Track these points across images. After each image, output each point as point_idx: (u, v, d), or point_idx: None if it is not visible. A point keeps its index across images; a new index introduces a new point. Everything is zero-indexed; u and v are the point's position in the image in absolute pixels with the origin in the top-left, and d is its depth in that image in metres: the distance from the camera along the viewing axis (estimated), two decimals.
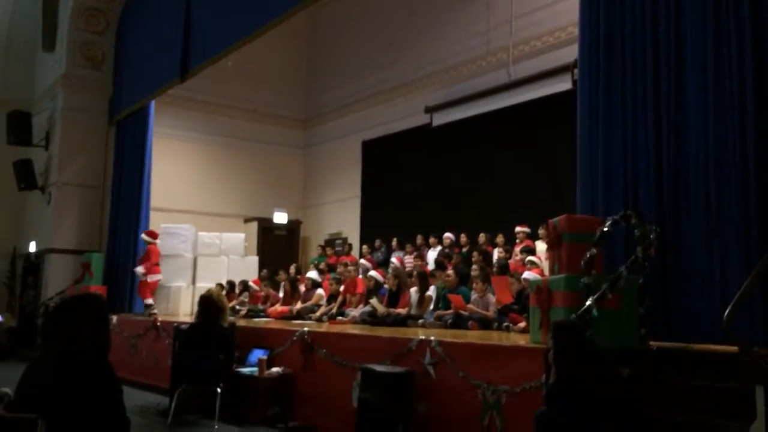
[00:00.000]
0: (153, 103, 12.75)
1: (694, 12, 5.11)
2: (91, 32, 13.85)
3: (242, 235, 13.92)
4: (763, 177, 4.57)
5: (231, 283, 12.06)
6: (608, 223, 4.75)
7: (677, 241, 5.03)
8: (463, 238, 10.86)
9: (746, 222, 4.62)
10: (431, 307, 8.27)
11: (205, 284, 11.50)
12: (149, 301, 11.14)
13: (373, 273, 9.46)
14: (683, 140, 5.11)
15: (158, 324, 9.23)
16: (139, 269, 11.32)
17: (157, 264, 11.48)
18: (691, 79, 5.10)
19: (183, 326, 7.59)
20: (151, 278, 11.31)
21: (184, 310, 12.10)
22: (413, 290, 8.70)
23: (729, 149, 4.78)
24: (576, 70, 6.89)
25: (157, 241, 11.70)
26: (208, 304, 7.04)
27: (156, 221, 12.77)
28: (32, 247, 14.30)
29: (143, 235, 11.68)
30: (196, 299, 8.78)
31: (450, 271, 8.51)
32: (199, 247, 12.96)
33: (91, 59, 13.85)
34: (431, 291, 8.50)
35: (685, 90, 5.14)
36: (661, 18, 5.34)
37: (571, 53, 8.75)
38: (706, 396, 3.96)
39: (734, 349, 3.71)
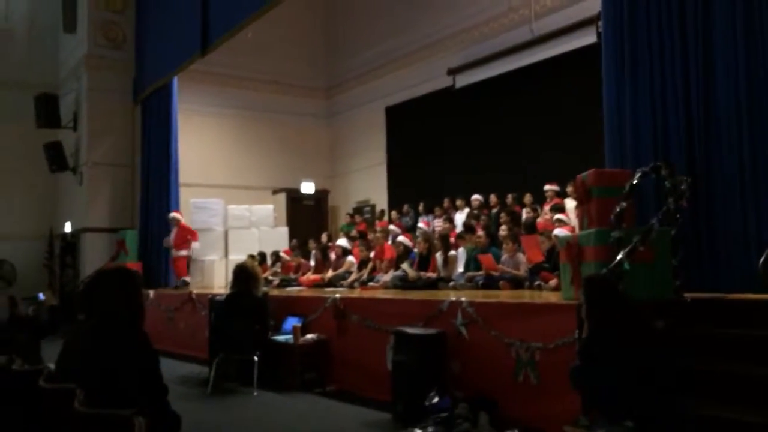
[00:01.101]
0: (176, 80, 12.79)
1: None
2: (110, 11, 13.91)
3: (271, 207, 14.04)
4: None
5: (262, 255, 12.20)
6: (638, 176, 4.69)
7: (709, 190, 4.95)
8: (493, 199, 10.80)
9: None
10: (460, 268, 8.29)
11: (237, 257, 11.67)
12: (186, 278, 11.47)
13: (401, 238, 9.48)
14: (713, 89, 4.99)
15: (193, 296, 9.41)
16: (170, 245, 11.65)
17: (187, 240, 11.73)
18: (720, 27, 4.95)
19: (218, 297, 7.73)
20: (176, 253, 11.61)
21: (218, 282, 12.32)
22: (438, 253, 8.72)
23: (760, 97, 4.66)
24: (600, 23, 6.72)
25: (180, 216, 11.94)
26: (242, 274, 7.16)
27: (185, 197, 12.94)
28: (68, 228, 14.62)
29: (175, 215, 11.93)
30: (230, 271, 8.97)
31: (480, 233, 8.49)
32: (229, 220, 13.12)
33: (112, 39, 13.93)
34: (459, 253, 8.50)
35: (712, 38, 5.01)
36: None
37: (594, 5, 8.49)
38: (743, 345, 3.94)
39: None
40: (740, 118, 4.81)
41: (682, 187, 4.48)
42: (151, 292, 10.81)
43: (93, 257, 13.01)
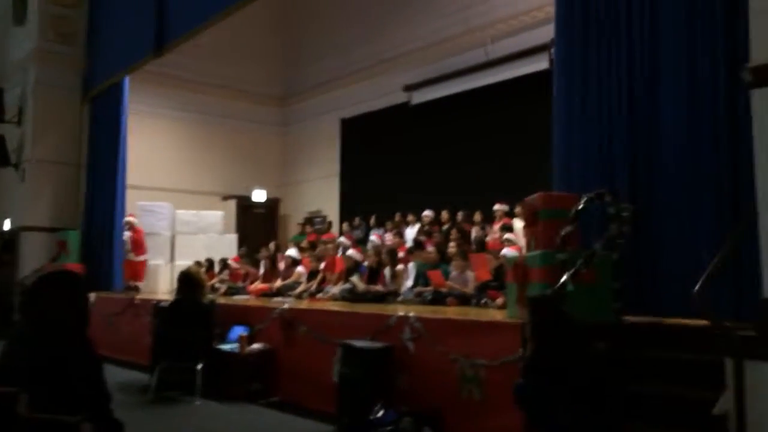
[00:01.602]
0: (128, 79, 12.54)
1: None
2: (62, 5, 13.55)
3: (220, 213, 13.89)
4: (735, 156, 4.67)
5: (210, 261, 12.04)
6: (583, 201, 4.85)
7: (650, 217, 5.14)
8: (444, 215, 10.94)
9: (718, 200, 4.75)
10: (409, 282, 8.37)
11: (183, 262, 11.49)
12: (140, 284, 11.40)
13: (351, 252, 9.52)
14: (657, 120, 5.21)
15: (137, 302, 9.21)
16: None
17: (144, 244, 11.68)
18: (666, 59, 5.18)
19: (162, 303, 7.60)
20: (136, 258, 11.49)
21: (162, 288, 12.09)
22: (387, 267, 8.80)
23: (702, 129, 4.88)
24: (553, 50, 6.93)
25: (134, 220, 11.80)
26: (188, 280, 7.08)
27: (132, 199, 12.66)
28: (7, 225, 14.10)
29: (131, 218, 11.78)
30: (175, 277, 8.82)
31: (431, 249, 8.60)
32: (177, 225, 12.92)
33: (63, 34, 13.55)
34: (409, 267, 8.59)
35: (659, 69, 5.23)
36: None
37: (548, 32, 8.75)
38: (677, 368, 4.10)
39: (705, 322, 3.83)
40: (682, 147, 5.03)
41: (625, 213, 4.66)
42: (93, 296, 10.52)
43: (32, 257, 12.55)
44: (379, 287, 8.57)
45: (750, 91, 3.62)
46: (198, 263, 10.81)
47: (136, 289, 11.16)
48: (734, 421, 3.41)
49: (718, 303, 4.29)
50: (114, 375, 7.67)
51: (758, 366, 3.38)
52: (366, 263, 9.18)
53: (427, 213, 11.12)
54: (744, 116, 4.40)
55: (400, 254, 9.16)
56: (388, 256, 8.91)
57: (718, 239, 4.55)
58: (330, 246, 10.35)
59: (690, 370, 4.00)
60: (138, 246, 11.62)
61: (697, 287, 3.62)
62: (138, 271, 11.61)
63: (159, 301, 8.03)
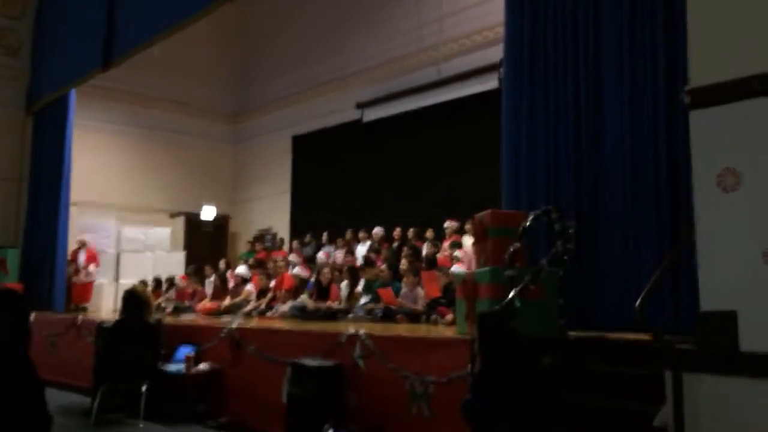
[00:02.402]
0: (74, 93, 12.23)
1: (612, 17, 5.36)
2: (7, 17, 13.18)
3: (168, 230, 13.64)
4: (674, 177, 4.85)
5: (157, 280, 11.79)
6: (530, 218, 4.93)
7: (595, 235, 5.27)
8: (397, 232, 10.97)
9: (658, 218, 4.90)
10: (361, 301, 8.35)
11: (129, 281, 11.24)
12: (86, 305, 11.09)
13: (297, 270, 9.46)
14: (601, 140, 5.36)
15: (79, 322, 8.92)
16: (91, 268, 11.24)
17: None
18: (608, 81, 5.35)
19: (106, 324, 7.38)
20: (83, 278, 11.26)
21: (106, 307, 11.76)
22: (344, 284, 8.77)
23: (642, 150, 5.06)
24: (502, 70, 7.08)
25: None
26: (133, 299, 6.89)
27: (76, 216, 12.33)
28: None
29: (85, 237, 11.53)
30: (120, 296, 8.58)
31: (383, 266, 8.61)
32: (122, 243, 12.62)
33: (6, 46, 13.18)
34: (361, 285, 8.58)
35: (602, 91, 5.40)
36: (580, 20, 5.57)
37: (498, 52, 8.93)
38: (620, 381, 4.19)
39: (646, 337, 3.93)
40: (624, 167, 5.19)
41: (570, 230, 4.76)
42: (32, 316, 10.14)
43: None
44: (330, 303, 8.52)
45: (689, 113, 3.76)
46: (143, 282, 10.55)
47: (84, 310, 10.83)
48: None
49: (658, 317, 4.42)
50: (55, 398, 7.34)
51: (696, 378, 3.47)
52: (312, 280, 9.14)
53: (377, 230, 11.14)
54: (682, 137, 4.57)
55: None
56: (348, 273, 8.89)
57: (659, 255, 4.70)
58: (281, 264, 10.26)
59: (632, 383, 4.08)
60: (89, 265, 11.37)
61: (637, 302, 3.71)
62: (86, 291, 11.30)
63: (102, 321, 7.79)
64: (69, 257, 11.51)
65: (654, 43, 5.07)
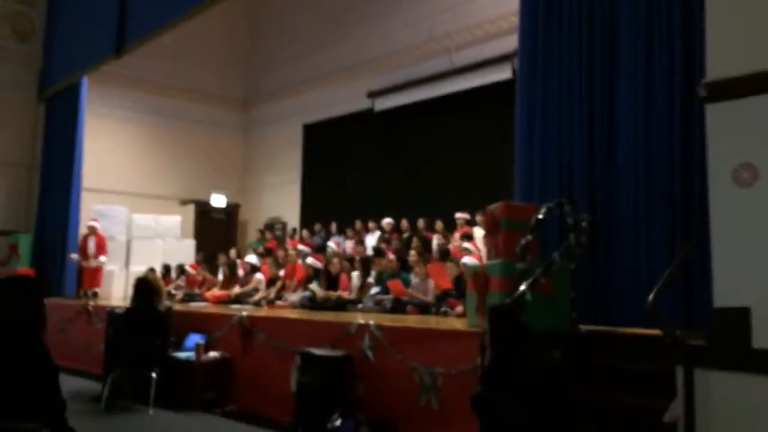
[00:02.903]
0: (86, 79, 12.27)
1: (628, 8, 5.30)
2: (20, 3, 13.20)
3: (178, 218, 13.66)
4: (687, 172, 4.81)
5: (167, 267, 11.83)
6: (543, 211, 4.89)
7: (607, 229, 5.24)
8: (404, 223, 10.95)
9: (671, 213, 4.87)
10: (371, 291, 8.35)
11: (139, 268, 11.27)
12: (97, 289, 11.18)
13: (310, 260, 9.45)
14: (615, 134, 5.32)
15: (90, 308, 8.98)
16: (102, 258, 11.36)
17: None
18: (624, 73, 5.30)
19: (117, 310, 7.42)
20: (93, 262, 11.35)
21: (116, 294, 11.82)
22: (355, 274, 8.77)
23: (657, 145, 5.01)
24: (516, 60, 7.02)
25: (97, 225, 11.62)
26: (144, 287, 6.92)
27: (87, 202, 12.38)
28: None
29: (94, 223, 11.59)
30: (130, 283, 8.64)
31: (391, 257, 8.60)
32: (133, 230, 12.66)
33: (19, 31, 13.22)
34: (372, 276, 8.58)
35: (617, 83, 5.35)
36: (597, 11, 5.51)
37: (511, 42, 8.87)
38: (631, 376, 4.17)
39: (658, 332, 3.90)
40: (638, 161, 5.14)
41: (583, 224, 4.72)
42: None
43: None
44: (340, 292, 8.53)
45: (705, 106, 3.71)
46: (152, 269, 10.60)
47: (95, 296, 10.90)
48: (684, 428, 3.47)
49: (670, 313, 4.39)
50: (65, 384, 7.41)
51: (708, 374, 3.44)
52: (323, 269, 9.14)
53: (388, 220, 11.12)
54: (698, 130, 4.52)
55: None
56: (360, 264, 8.89)
57: (671, 250, 4.66)
58: (292, 253, 10.27)
59: (642, 378, 4.06)
60: (99, 251, 11.39)
61: (650, 297, 3.68)
62: (96, 277, 11.35)
63: (114, 308, 7.84)
64: (79, 243, 11.57)
65: (670, 36, 5.02)
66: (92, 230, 11.42)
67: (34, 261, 12.28)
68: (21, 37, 13.27)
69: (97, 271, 11.38)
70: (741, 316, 3.41)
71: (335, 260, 9.26)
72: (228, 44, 16.69)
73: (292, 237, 13.43)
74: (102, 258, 11.37)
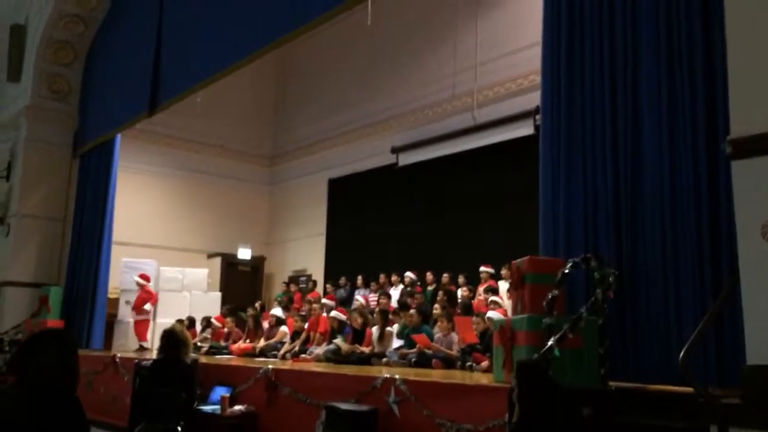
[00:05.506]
0: (119, 137, 12.68)
1: (650, 64, 5.39)
2: (58, 64, 13.77)
3: (205, 271, 13.82)
4: (715, 226, 4.78)
5: (191, 319, 11.91)
6: (569, 265, 4.90)
7: (635, 284, 5.20)
8: (429, 276, 10.96)
9: (700, 267, 4.82)
10: (394, 344, 8.31)
11: (166, 320, 11.36)
12: (145, 343, 11.52)
13: (335, 313, 9.46)
14: (640, 188, 5.33)
15: (117, 360, 9.04)
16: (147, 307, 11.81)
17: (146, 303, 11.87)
18: (647, 129, 5.34)
19: (144, 363, 7.47)
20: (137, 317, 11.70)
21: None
22: (375, 327, 8.75)
23: (683, 198, 5.01)
24: (538, 116, 7.13)
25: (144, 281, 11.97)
26: (171, 339, 6.94)
27: (117, 255, 12.60)
28: None
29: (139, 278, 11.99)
30: (157, 335, 8.71)
31: (412, 311, 8.58)
32: (161, 282, 12.82)
33: (57, 91, 13.75)
34: (393, 328, 8.55)
35: (641, 139, 5.39)
36: (618, 69, 5.61)
37: (532, 100, 9.05)
38: None
39: (689, 389, 3.85)
40: (663, 215, 5.14)
41: (610, 279, 4.71)
42: None
43: (13, 312, 12.33)
44: (363, 348, 8.50)
45: (731, 163, 3.74)
46: (180, 321, 10.69)
47: (143, 349, 11.21)
48: None
49: (701, 370, 4.33)
50: None
51: None
52: (349, 323, 9.13)
53: (409, 274, 11.14)
54: (724, 186, 4.53)
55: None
56: (379, 316, 8.87)
57: (701, 306, 4.62)
58: (316, 305, 10.30)
59: None
60: (141, 304, 11.80)
61: (681, 354, 3.64)
62: (140, 330, 11.68)
63: (140, 360, 7.89)
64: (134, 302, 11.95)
65: (693, 89, 5.05)
66: (139, 285, 11.82)
67: (63, 313, 12.45)
68: (59, 96, 13.79)
69: (143, 324, 11.69)
70: None
71: (354, 315, 9.24)
72: (256, 101, 17.17)
73: (312, 290, 13.48)
74: (147, 306, 11.70)
